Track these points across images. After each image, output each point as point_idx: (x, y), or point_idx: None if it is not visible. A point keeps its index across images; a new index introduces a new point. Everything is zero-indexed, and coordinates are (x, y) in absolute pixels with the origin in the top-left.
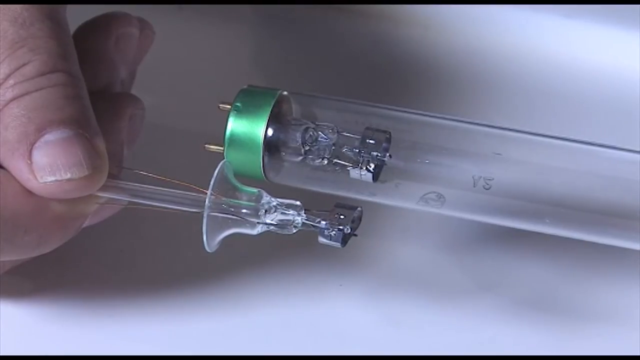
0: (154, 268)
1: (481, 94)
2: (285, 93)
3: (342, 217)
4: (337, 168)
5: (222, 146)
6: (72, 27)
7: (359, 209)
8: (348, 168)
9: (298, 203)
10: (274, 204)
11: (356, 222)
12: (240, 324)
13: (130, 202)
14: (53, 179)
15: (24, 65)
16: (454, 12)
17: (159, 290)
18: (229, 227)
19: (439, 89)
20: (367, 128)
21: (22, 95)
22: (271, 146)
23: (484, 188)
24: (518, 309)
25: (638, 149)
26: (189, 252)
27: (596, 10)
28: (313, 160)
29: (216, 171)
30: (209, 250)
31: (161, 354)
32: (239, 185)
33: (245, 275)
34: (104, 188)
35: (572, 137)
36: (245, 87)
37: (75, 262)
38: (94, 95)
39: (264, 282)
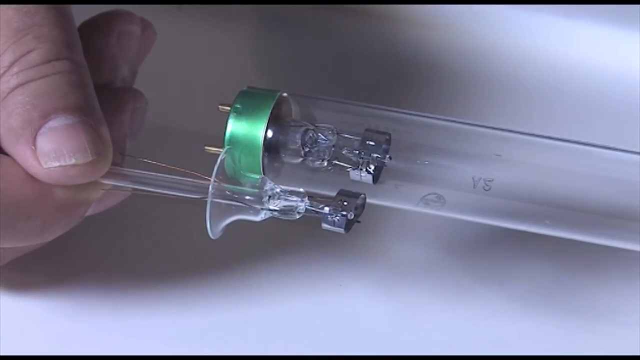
0: (156, 263)
1: (481, 95)
2: (284, 94)
3: (345, 203)
4: (336, 169)
5: (221, 148)
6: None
7: (362, 196)
8: (348, 169)
9: (301, 190)
10: (278, 190)
11: (359, 209)
12: (240, 325)
13: (133, 190)
14: (57, 164)
15: (28, 52)
16: (454, 12)
17: (158, 288)
18: (233, 214)
19: (439, 89)
20: (367, 129)
21: (26, 82)
22: (271, 148)
23: (484, 189)
24: (517, 310)
25: (638, 150)
26: (188, 252)
27: (596, 10)
28: (313, 161)
29: (219, 157)
30: (212, 237)
31: (159, 354)
32: (241, 172)
33: (245, 276)
34: (107, 175)
35: (572, 137)
36: (244, 88)
37: (75, 256)
38: (96, 90)
39: (264, 282)
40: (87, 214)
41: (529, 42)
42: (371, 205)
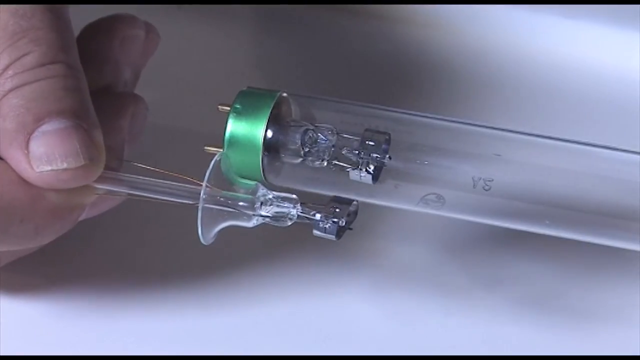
0: (151, 266)
1: (481, 94)
2: (284, 94)
3: (337, 210)
4: (336, 170)
5: (221, 148)
6: (77, 28)
7: (354, 203)
8: (347, 169)
9: (294, 196)
10: (270, 196)
11: (352, 216)
12: (240, 325)
13: (127, 194)
14: (49, 168)
15: (23, 56)
16: (454, 12)
17: (159, 289)
18: (225, 220)
19: (439, 89)
20: (367, 129)
21: (21, 85)
22: (271, 148)
23: (484, 189)
24: (517, 310)
25: (638, 150)
26: (187, 252)
27: (596, 10)
28: (312, 161)
29: (211, 163)
30: (204, 243)
31: (159, 354)
32: (235, 177)
33: (244, 275)
34: (101, 179)
35: (571, 137)
36: (244, 88)
37: (72, 259)
38: (97, 93)
39: (263, 282)
40: (81, 218)
41: (529, 42)
42: (371, 205)
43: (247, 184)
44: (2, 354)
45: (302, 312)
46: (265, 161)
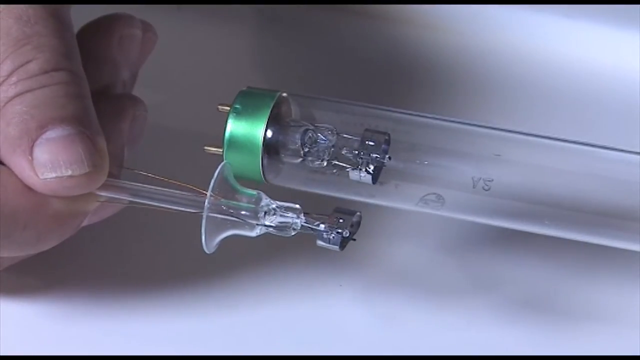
0: (153, 269)
1: (481, 95)
2: (284, 95)
3: (341, 220)
4: (336, 170)
5: (221, 148)
6: (76, 27)
7: (358, 213)
8: (347, 170)
9: (297, 206)
10: (273, 206)
11: (355, 227)
12: (240, 324)
13: (130, 202)
14: (54, 175)
15: (27, 62)
16: (454, 12)
17: (159, 290)
18: (228, 229)
19: (439, 89)
20: (367, 130)
21: (24, 92)
22: (270, 148)
23: (484, 189)
24: (517, 310)
25: (638, 150)
26: (188, 253)
27: (596, 10)
28: (312, 162)
29: (216, 172)
30: (207, 252)
31: (161, 354)
32: (238, 187)
33: (245, 275)
34: (104, 187)
35: (571, 137)
36: (244, 88)
37: (73, 262)
38: (96, 96)
39: (264, 282)
40: (82, 224)
41: (529, 42)
42: (371, 205)
43: (250, 193)
44: (2, 354)
45: (300, 312)
46: (265, 161)
